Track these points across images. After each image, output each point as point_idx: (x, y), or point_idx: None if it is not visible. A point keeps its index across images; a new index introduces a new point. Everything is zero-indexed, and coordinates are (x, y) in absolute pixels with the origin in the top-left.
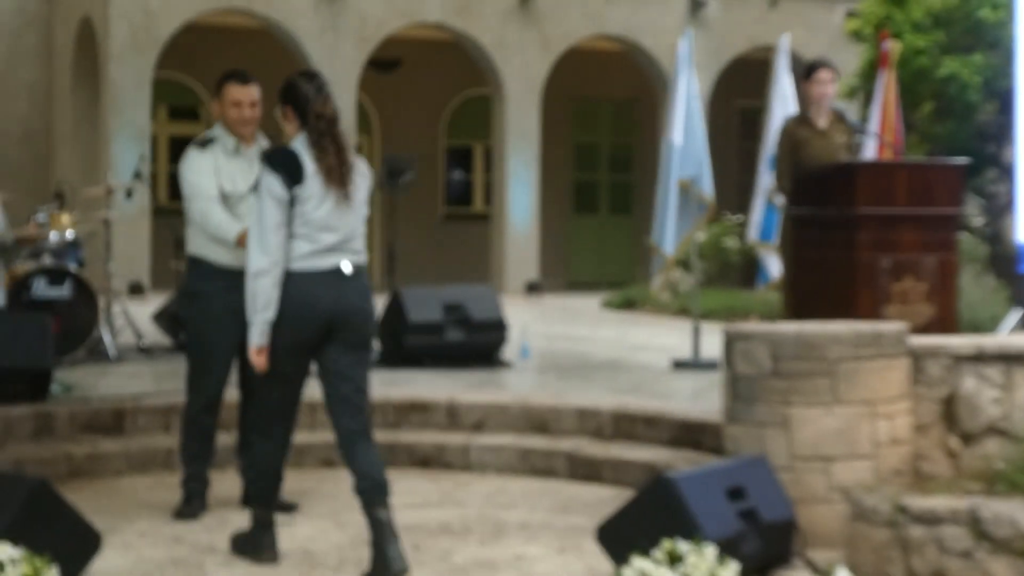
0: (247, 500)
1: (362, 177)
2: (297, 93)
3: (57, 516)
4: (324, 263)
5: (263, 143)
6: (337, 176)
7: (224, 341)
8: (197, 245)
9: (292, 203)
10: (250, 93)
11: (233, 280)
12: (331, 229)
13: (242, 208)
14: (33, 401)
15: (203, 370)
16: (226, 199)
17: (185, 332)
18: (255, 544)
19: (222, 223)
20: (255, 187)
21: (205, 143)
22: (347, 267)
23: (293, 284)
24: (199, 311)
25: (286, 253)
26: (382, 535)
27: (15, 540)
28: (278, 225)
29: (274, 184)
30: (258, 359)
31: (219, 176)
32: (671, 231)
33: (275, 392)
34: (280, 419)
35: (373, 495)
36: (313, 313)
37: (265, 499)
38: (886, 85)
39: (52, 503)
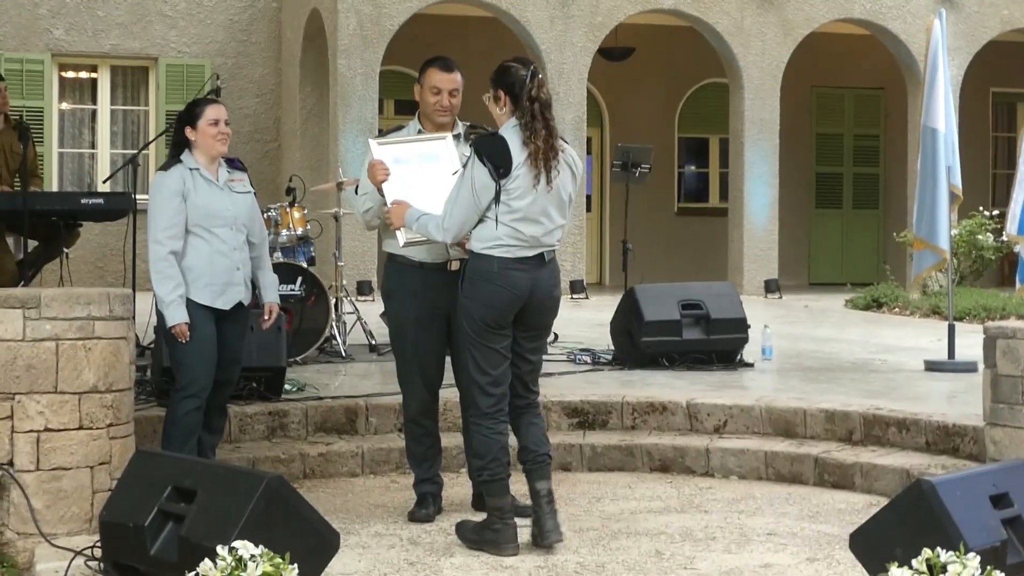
0: (478, 503)
1: (569, 166)
2: (512, 77)
3: (295, 514)
4: (524, 252)
5: (458, 132)
6: (543, 158)
7: (428, 341)
8: (390, 242)
9: (497, 194)
10: (452, 80)
11: (431, 278)
12: (533, 221)
13: None
14: (267, 400)
15: (410, 373)
16: None
17: (388, 334)
18: (495, 538)
19: (363, 201)
20: (463, 169)
21: (387, 132)
22: (544, 255)
23: (494, 268)
24: (397, 312)
25: (478, 235)
26: (540, 506)
27: (253, 538)
28: (469, 211)
29: (482, 175)
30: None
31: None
32: (944, 225)
33: (487, 370)
34: (494, 399)
35: (534, 467)
36: (512, 297)
37: (495, 487)
38: None
39: (290, 500)
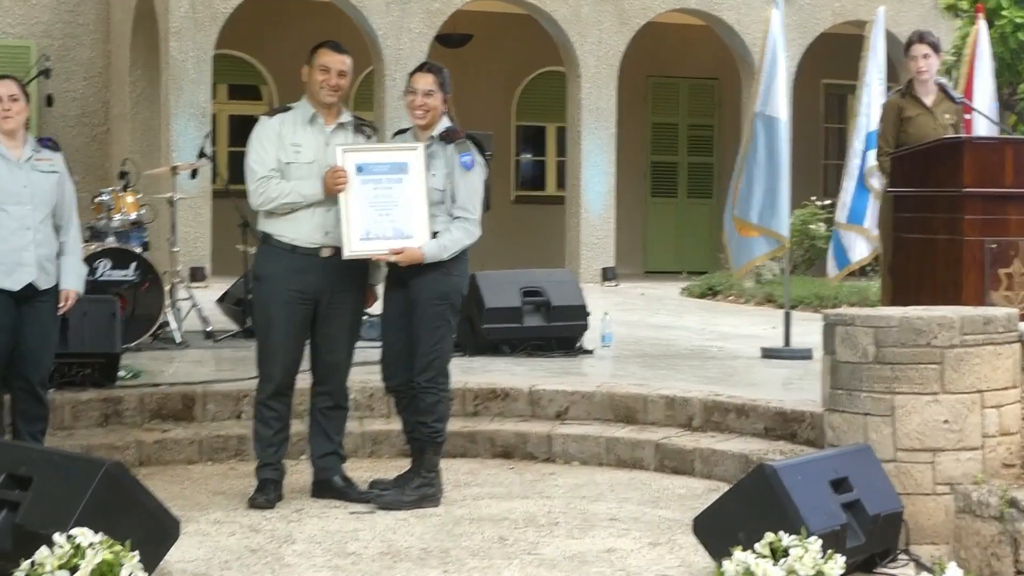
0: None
1: None
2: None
3: (134, 501)
4: None
5: (347, 119)
6: None
7: (291, 326)
8: (266, 222)
9: None
10: (342, 61)
11: (302, 261)
12: None
13: (306, 177)
14: (101, 386)
15: (269, 355)
16: (287, 167)
17: (251, 315)
18: (435, 493)
19: (283, 190)
20: (469, 166)
21: (277, 111)
22: None
23: (466, 256)
24: (265, 293)
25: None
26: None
27: (91, 525)
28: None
29: (485, 166)
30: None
31: (281, 145)
32: (785, 212)
33: (450, 347)
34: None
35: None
36: None
37: (443, 447)
38: (967, 59)
39: (129, 487)
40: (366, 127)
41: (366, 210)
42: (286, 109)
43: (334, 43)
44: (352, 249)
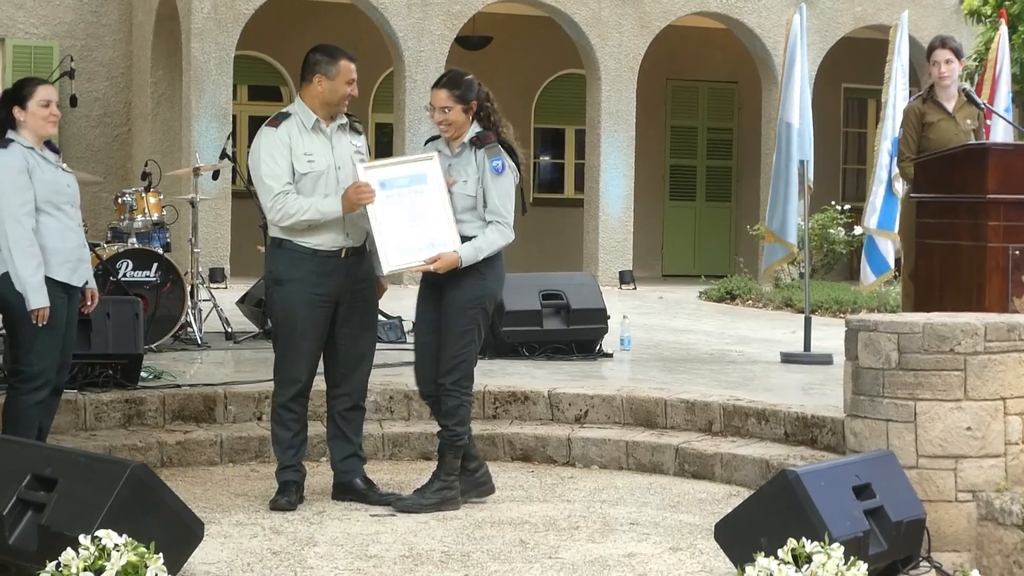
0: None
1: None
2: (489, 99)
3: (159, 503)
4: None
5: (343, 121)
6: None
7: (311, 329)
8: (283, 229)
9: None
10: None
11: (324, 264)
12: None
13: (322, 185)
14: (123, 387)
15: (289, 359)
16: (303, 178)
17: (270, 319)
18: (455, 495)
19: (302, 206)
20: (500, 171)
21: (278, 119)
22: None
23: (501, 261)
24: (287, 298)
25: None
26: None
27: (116, 527)
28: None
29: (516, 171)
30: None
31: (292, 155)
32: (792, 219)
33: (476, 351)
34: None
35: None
36: None
37: (463, 449)
38: (986, 63)
39: (154, 489)
40: (357, 123)
41: (396, 224)
42: (286, 116)
43: (348, 52)
44: (390, 265)
